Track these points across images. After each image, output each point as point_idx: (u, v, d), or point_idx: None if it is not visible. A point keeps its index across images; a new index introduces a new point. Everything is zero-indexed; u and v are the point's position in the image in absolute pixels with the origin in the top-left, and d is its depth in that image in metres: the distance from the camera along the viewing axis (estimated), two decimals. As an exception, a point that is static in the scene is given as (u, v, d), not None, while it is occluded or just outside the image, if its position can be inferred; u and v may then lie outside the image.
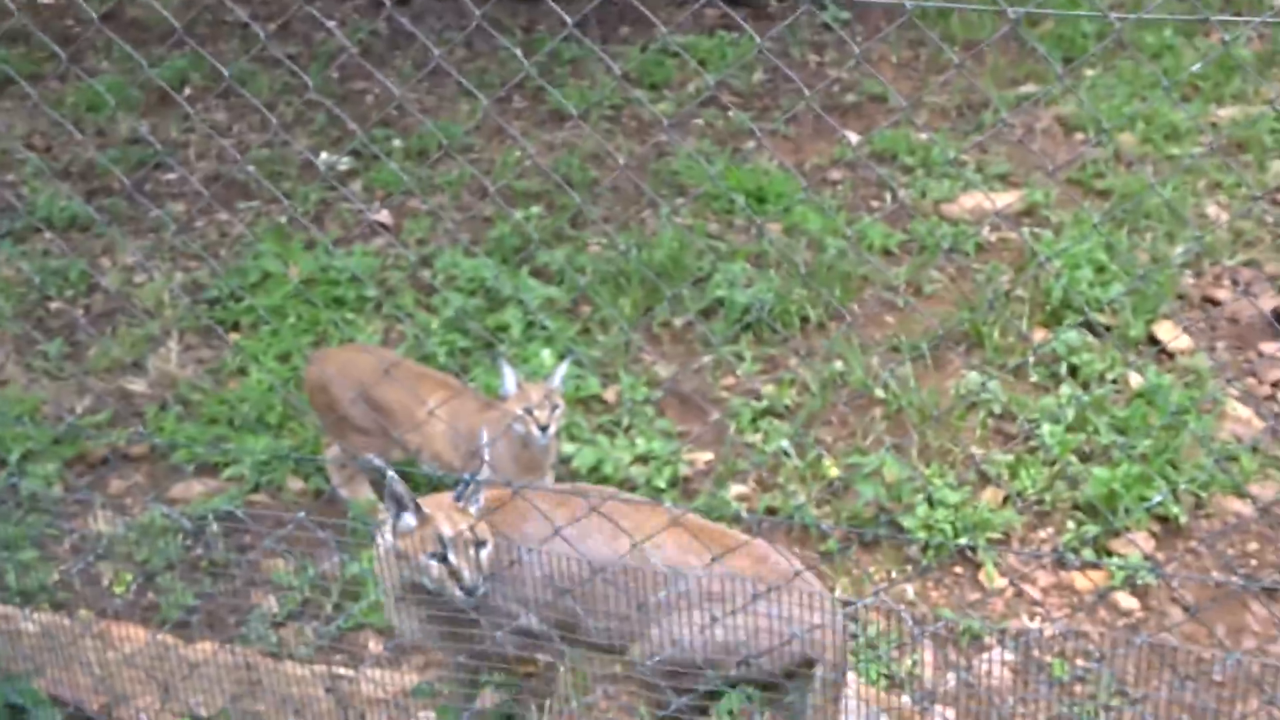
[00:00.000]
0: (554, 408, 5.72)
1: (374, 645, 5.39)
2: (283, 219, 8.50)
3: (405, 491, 4.25)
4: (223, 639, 4.97)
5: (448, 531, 4.17)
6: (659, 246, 7.82)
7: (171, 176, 9.19)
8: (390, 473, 4.22)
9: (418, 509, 4.26)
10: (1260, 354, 7.15)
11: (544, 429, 5.68)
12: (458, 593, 4.16)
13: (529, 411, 5.67)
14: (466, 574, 4.15)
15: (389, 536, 4.29)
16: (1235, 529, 6.03)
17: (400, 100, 9.73)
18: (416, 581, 4.26)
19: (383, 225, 8.52)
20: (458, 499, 4.34)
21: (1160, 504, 5.99)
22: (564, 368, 5.93)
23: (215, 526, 5.87)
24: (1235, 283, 7.71)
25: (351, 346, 6.69)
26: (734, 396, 6.85)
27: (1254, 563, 5.86)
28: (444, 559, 4.18)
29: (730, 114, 9.72)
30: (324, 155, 9.23)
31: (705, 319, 7.40)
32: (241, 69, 10.31)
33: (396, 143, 9.45)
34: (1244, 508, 6.14)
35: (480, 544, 4.20)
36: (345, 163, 9.18)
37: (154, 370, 7.12)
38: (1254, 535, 6.02)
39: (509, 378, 5.79)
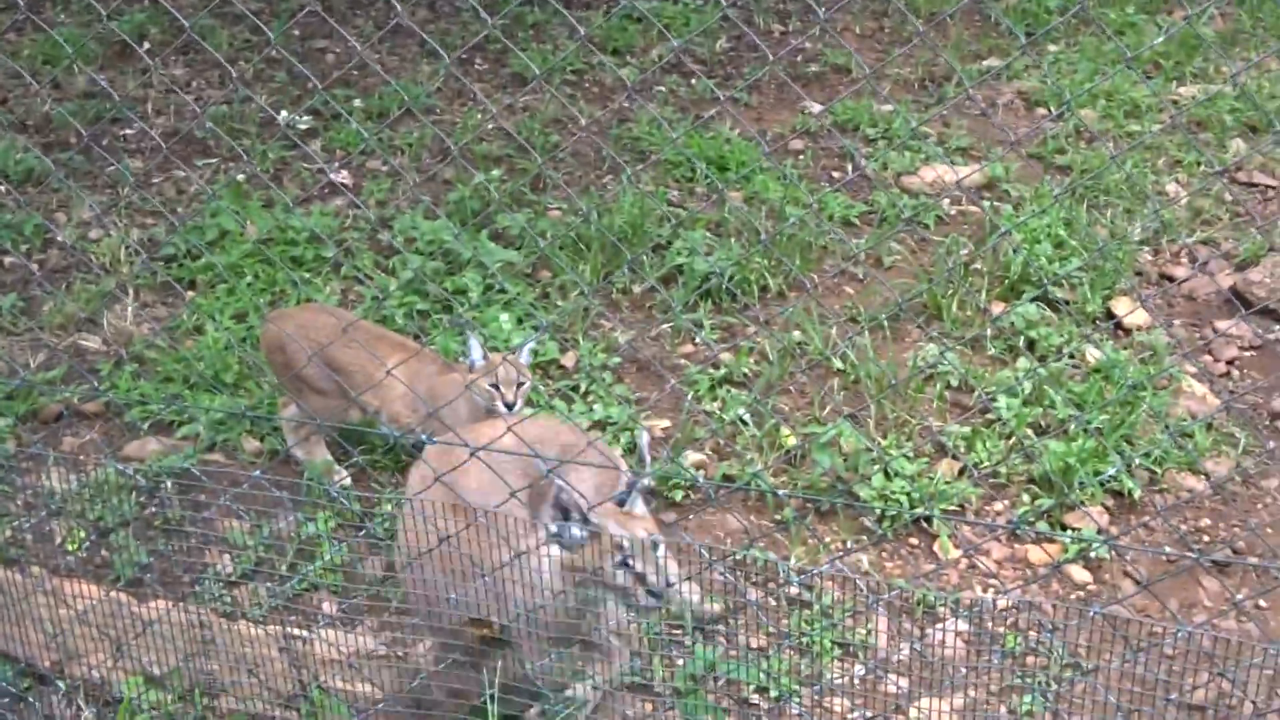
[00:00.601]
0: (519, 384, 5.72)
1: (328, 606, 5.38)
2: (241, 177, 8.44)
3: (574, 500, 4.12)
4: (176, 598, 4.94)
5: (627, 538, 4.11)
6: (619, 212, 7.80)
7: (129, 131, 9.10)
8: (559, 482, 4.10)
9: (585, 520, 4.13)
10: (1216, 331, 7.19)
11: (509, 406, 5.67)
12: (647, 598, 4.10)
13: (496, 387, 5.67)
14: (654, 578, 4.07)
15: (554, 551, 4.17)
16: (1189, 504, 6.08)
17: (361, 59, 9.65)
18: (591, 594, 4.17)
19: (342, 185, 8.47)
20: (621, 504, 4.28)
21: (1115, 478, 6.03)
22: (531, 343, 5.93)
23: (170, 485, 5.83)
24: (1193, 260, 7.75)
25: (309, 306, 6.64)
26: (692, 364, 6.85)
27: (1206, 538, 5.91)
28: (627, 565, 4.09)
29: (694, 81, 9.69)
30: (284, 113, 9.15)
31: (665, 286, 7.39)
32: (202, 24, 10.21)
33: (357, 102, 9.39)
34: (1198, 483, 6.18)
35: (656, 545, 4.13)
36: (305, 121, 9.11)
37: (109, 327, 7.06)
38: (1207, 511, 6.06)
39: (475, 349, 5.78)
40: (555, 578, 4.16)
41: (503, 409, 5.65)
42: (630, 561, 4.05)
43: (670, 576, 4.06)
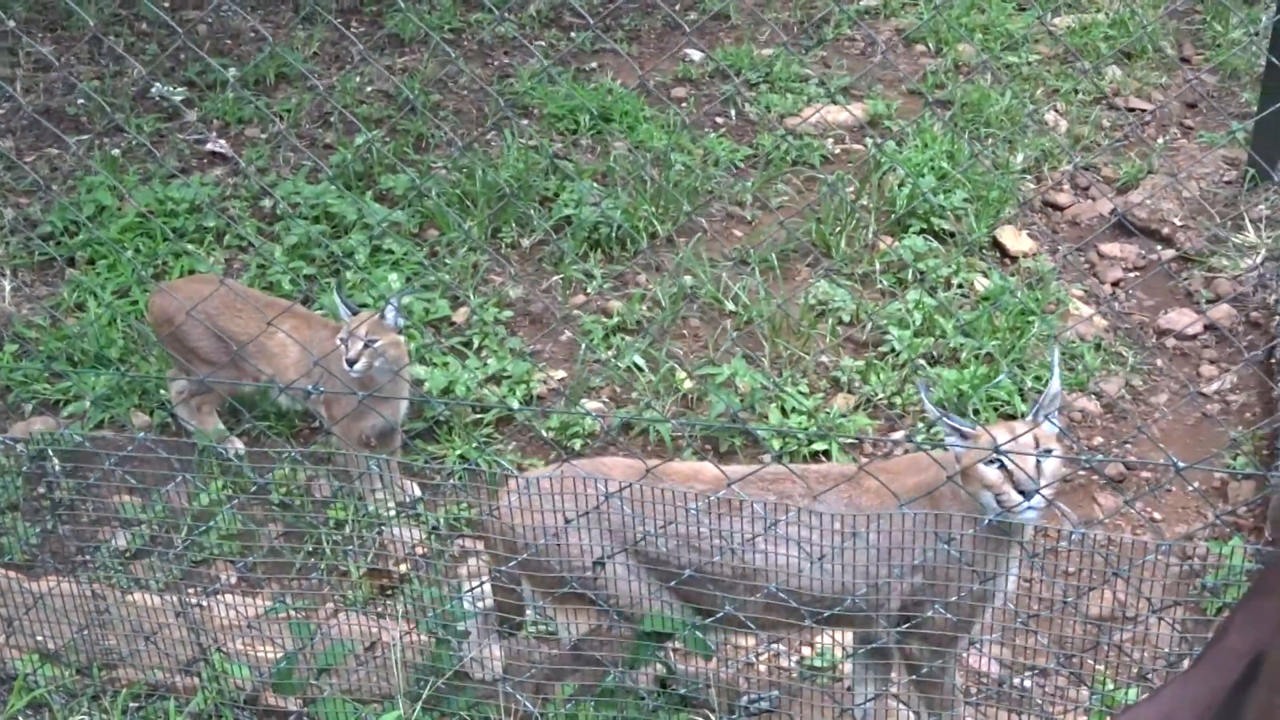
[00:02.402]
0: (370, 341, 5.52)
1: (226, 575, 5.31)
2: (116, 152, 8.27)
3: (960, 420, 4.10)
4: (70, 574, 4.85)
5: (1004, 436, 4.04)
6: (505, 167, 7.74)
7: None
8: (931, 406, 4.12)
9: (962, 433, 4.10)
10: (1101, 255, 7.27)
11: (350, 363, 5.53)
12: (1016, 497, 4.03)
13: (344, 342, 5.54)
14: (1024, 477, 4.00)
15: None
16: (1081, 423, 6.15)
17: (234, 29, 9.50)
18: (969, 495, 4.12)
19: (221, 155, 8.33)
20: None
21: (1008, 401, 6.09)
22: (395, 303, 5.71)
23: (57, 464, 5.72)
24: (1075, 186, 7.83)
25: (196, 277, 6.54)
26: (585, 314, 6.83)
27: (1100, 456, 5.98)
28: (1001, 465, 4.03)
29: (574, 35, 9.64)
30: (157, 86, 8.99)
31: (554, 238, 7.35)
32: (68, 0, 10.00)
33: (232, 71, 9.24)
34: (1089, 404, 6.25)
35: (1048, 451, 4.06)
36: (180, 93, 8.95)
37: (-13, 309, 6.92)
38: (1099, 429, 6.13)
39: (341, 309, 5.66)
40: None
41: (344, 366, 5.54)
42: (1006, 463, 4.00)
43: (1044, 479, 4.00)
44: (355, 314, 5.62)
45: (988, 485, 4.00)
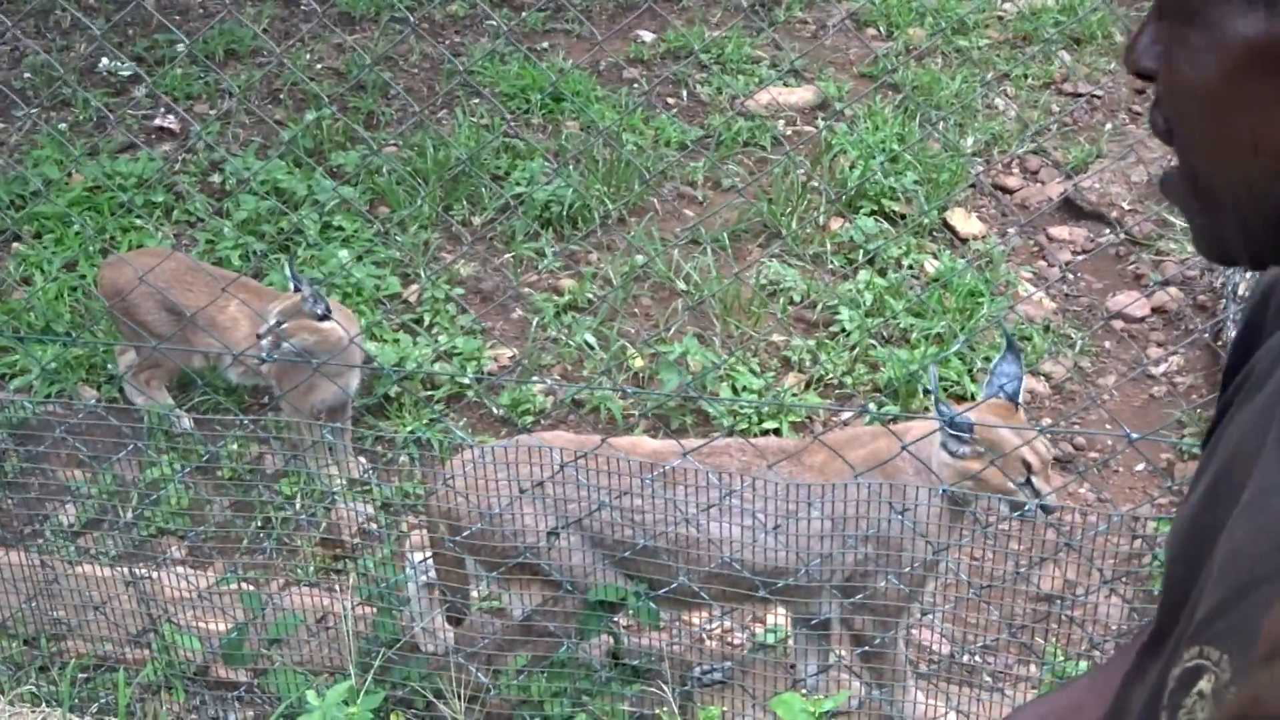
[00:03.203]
0: (279, 323, 5.43)
1: (176, 550, 5.28)
2: (63, 126, 8.20)
3: (965, 418, 4.09)
4: (17, 546, 4.81)
5: (1032, 458, 4.06)
6: (457, 145, 7.72)
7: (-57, 85, 8.79)
8: (942, 407, 4.07)
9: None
10: (1050, 238, 7.32)
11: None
12: (1028, 499, 4.04)
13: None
14: (1047, 489, 4.05)
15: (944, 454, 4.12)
16: (1030, 404, 6.19)
17: (184, 4, 9.42)
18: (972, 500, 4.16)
19: (169, 131, 8.27)
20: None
21: (957, 382, 6.12)
22: (307, 287, 5.47)
23: (3, 438, 5.67)
24: (1025, 170, 7.88)
25: (146, 251, 6.49)
26: (536, 293, 6.82)
27: (1053, 427, 6.02)
28: (1028, 483, 4.06)
29: (524, 15, 9.61)
30: (105, 61, 8.90)
31: (504, 217, 7.34)
32: (13, -27, 9.89)
33: (180, 47, 9.16)
34: (1038, 385, 6.30)
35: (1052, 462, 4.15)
36: (128, 68, 8.87)
37: (-68, 283, 6.84)
38: (1048, 411, 6.18)
39: (291, 284, 5.55)
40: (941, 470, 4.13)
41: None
42: (1034, 480, 4.06)
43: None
44: (299, 290, 5.53)
45: (1005, 491, 4.05)
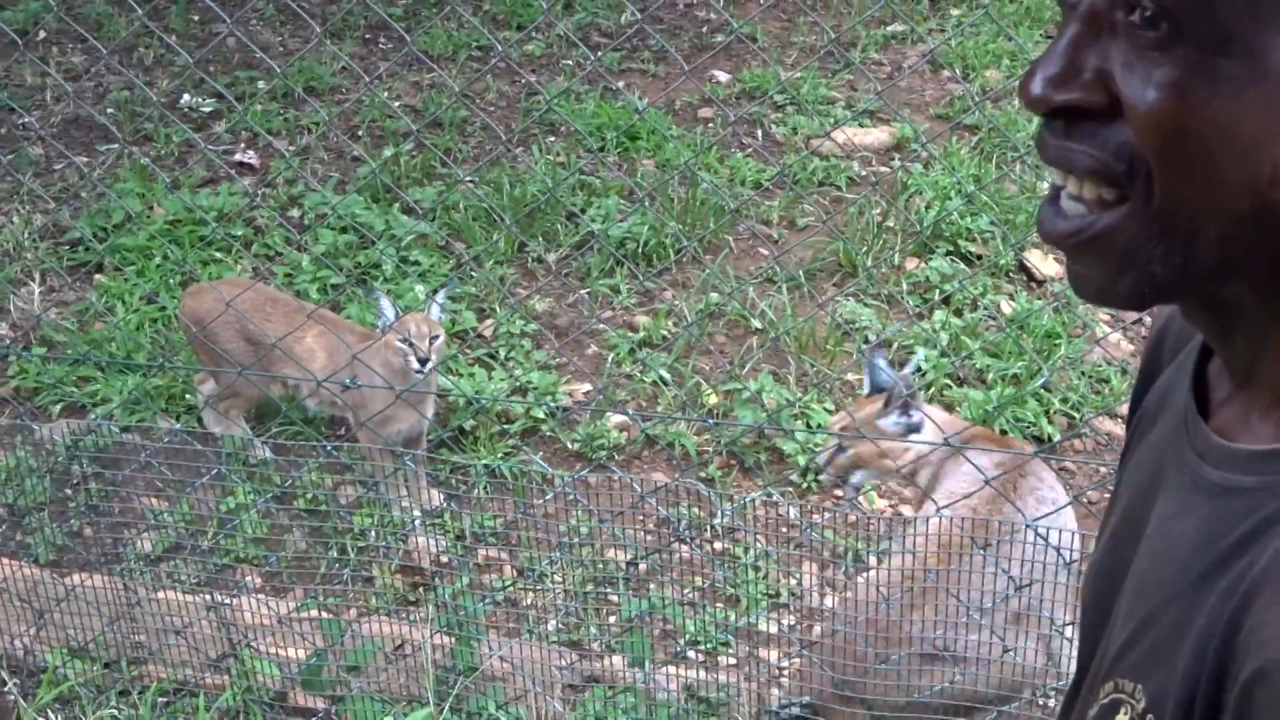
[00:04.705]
0: (433, 338, 5.58)
1: (252, 578, 5.31)
2: (145, 161, 8.31)
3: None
4: (98, 572, 4.86)
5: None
6: (532, 182, 7.77)
7: (28, 120, 8.94)
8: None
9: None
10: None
11: (423, 361, 5.50)
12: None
13: (408, 343, 5.51)
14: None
15: None
16: (1106, 447, 6.15)
17: (264, 42, 9.54)
18: None
19: (249, 165, 8.36)
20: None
21: (1034, 423, 6.09)
22: (440, 298, 5.77)
23: (85, 466, 5.73)
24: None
25: (226, 281, 6.56)
26: (611, 329, 6.84)
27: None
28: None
29: (600, 54, 9.68)
30: (186, 97, 9.03)
31: (580, 253, 7.37)
32: (99, 11, 10.05)
33: (261, 84, 9.28)
34: (1115, 427, 6.26)
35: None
36: (209, 104, 8.99)
37: (16, 312, 6.94)
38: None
39: (387, 309, 5.67)
40: None
41: (415, 366, 5.51)
42: None
43: None
44: (398, 316, 5.60)
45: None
